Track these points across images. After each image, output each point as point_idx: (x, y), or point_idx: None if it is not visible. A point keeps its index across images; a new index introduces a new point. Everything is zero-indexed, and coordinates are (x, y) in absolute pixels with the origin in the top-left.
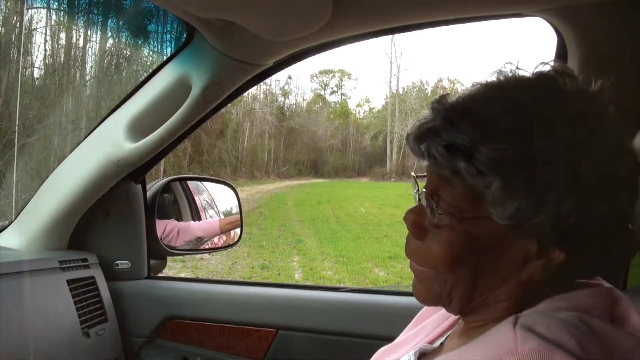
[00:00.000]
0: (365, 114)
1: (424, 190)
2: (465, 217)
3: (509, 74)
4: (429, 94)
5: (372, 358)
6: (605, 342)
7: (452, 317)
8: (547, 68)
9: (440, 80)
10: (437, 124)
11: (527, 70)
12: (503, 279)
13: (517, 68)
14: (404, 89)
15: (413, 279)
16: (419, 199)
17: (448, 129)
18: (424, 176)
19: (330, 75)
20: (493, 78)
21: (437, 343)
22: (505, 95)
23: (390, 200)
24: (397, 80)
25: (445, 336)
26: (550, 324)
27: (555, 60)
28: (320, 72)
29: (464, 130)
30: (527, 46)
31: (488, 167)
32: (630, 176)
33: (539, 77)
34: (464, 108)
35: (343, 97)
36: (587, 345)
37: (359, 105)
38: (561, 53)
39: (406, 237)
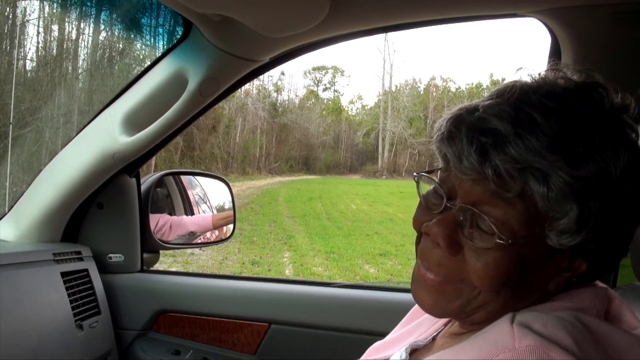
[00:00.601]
0: (357, 111)
1: (460, 203)
2: (518, 241)
3: (543, 76)
4: (422, 92)
5: (365, 354)
6: (601, 340)
7: None
8: (583, 77)
9: (433, 78)
10: (502, 137)
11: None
12: (534, 292)
13: (560, 69)
14: (396, 86)
15: (418, 285)
16: (444, 208)
17: (518, 145)
18: (432, 171)
19: (324, 72)
20: (526, 79)
21: (428, 339)
22: (569, 109)
23: (381, 198)
24: (390, 77)
25: (437, 332)
26: (547, 321)
27: (587, 70)
28: (314, 69)
29: (537, 150)
30: (520, 46)
31: (566, 194)
32: None
33: (586, 87)
34: (532, 121)
35: (336, 94)
36: (583, 343)
37: (351, 102)
38: (555, 53)
39: (420, 243)
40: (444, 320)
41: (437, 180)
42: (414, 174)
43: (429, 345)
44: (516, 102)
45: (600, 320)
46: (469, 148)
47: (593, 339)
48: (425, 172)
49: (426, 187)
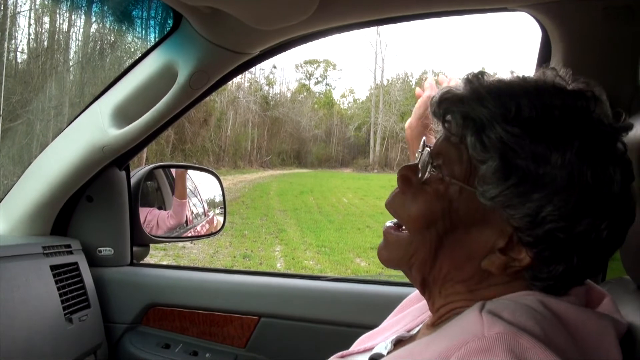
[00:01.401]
0: (349, 104)
1: (428, 147)
2: (454, 183)
3: (551, 78)
4: (413, 86)
5: (354, 344)
6: (570, 327)
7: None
8: (581, 85)
9: (425, 72)
10: (465, 94)
11: (565, 80)
12: (463, 260)
13: (558, 75)
14: (388, 80)
15: (380, 243)
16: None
17: (472, 100)
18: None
19: (315, 66)
20: (534, 76)
21: (414, 331)
22: (540, 95)
23: (372, 192)
24: (382, 71)
25: (420, 325)
26: (515, 309)
27: (591, 84)
28: (305, 62)
29: (485, 105)
30: (511, 40)
31: (494, 145)
32: (618, 213)
33: (577, 94)
34: (497, 89)
35: (327, 87)
36: (550, 330)
37: (343, 96)
38: (545, 47)
39: (392, 194)
40: (429, 313)
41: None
42: (423, 138)
43: (413, 336)
44: (502, 81)
45: (571, 305)
46: (437, 100)
47: (563, 327)
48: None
49: None
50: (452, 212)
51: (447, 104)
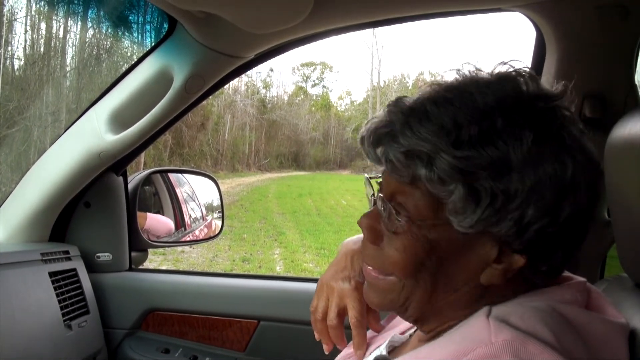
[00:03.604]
0: (346, 106)
1: (379, 194)
2: (425, 224)
3: (467, 74)
4: (410, 87)
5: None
6: (579, 330)
7: None
8: (506, 68)
9: (422, 73)
10: (395, 129)
11: (486, 70)
12: (462, 284)
13: (477, 69)
14: (385, 82)
15: (365, 285)
16: (374, 203)
17: (407, 134)
18: (379, 177)
19: (312, 68)
20: (450, 78)
21: (407, 334)
22: (465, 98)
23: None
24: (379, 73)
25: (415, 329)
26: (523, 314)
27: (515, 60)
28: (302, 65)
29: (423, 137)
30: (507, 40)
31: (450, 175)
32: (590, 178)
33: (499, 78)
34: (424, 112)
35: (324, 89)
36: (561, 334)
37: (340, 98)
38: (540, 47)
39: (362, 241)
40: None
41: (374, 179)
42: (365, 175)
43: (406, 342)
44: (420, 96)
45: (580, 309)
46: (369, 142)
47: (571, 330)
48: (371, 175)
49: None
50: (436, 249)
51: (383, 144)
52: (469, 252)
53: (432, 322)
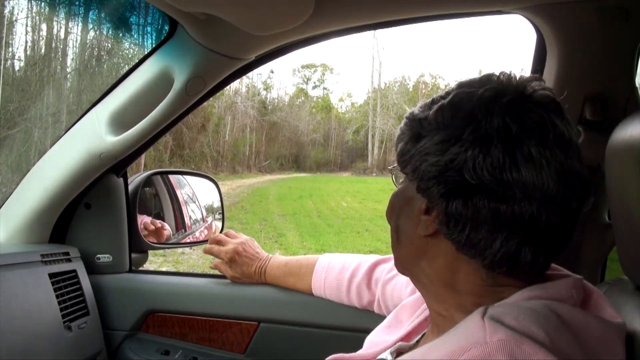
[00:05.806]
0: (347, 108)
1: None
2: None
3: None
4: (411, 89)
5: (363, 348)
6: (575, 330)
7: (426, 311)
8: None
9: (422, 75)
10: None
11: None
12: (407, 234)
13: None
14: (385, 84)
15: None
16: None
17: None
18: None
19: (313, 70)
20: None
21: (414, 340)
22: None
23: (371, 195)
24: (379, 75)
25: (421, 334)
26: (518, 314)
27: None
28: (303, 67)
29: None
30: (508, 43)
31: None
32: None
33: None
34: (417, 119)
35: (325, 91)
36: (556, 335)
37: (341, 99)
38: (541, 49)
39: None
40: (424, 316)
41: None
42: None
43: (413, 347)
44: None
45: (576, 309)
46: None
47: (567, 330)
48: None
49: None
50: (399, 195)
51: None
52: (411, 203)
53: (415, 280)
